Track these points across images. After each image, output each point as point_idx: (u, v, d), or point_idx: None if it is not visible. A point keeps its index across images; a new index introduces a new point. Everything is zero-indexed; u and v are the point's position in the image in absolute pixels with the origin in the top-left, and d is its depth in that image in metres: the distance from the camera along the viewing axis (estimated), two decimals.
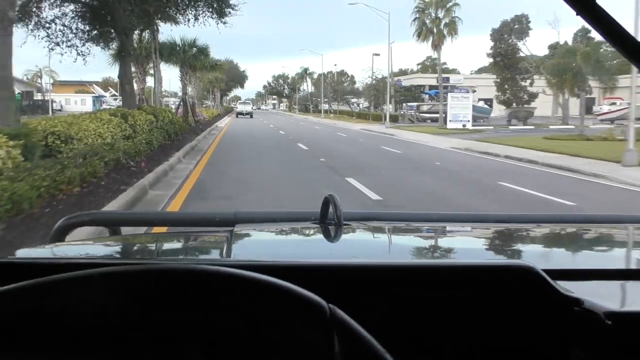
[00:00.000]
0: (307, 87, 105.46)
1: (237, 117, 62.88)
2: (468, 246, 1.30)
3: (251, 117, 61.52)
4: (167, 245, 1.29)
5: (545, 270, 0.77)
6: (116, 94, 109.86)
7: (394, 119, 47.12)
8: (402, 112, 55.74)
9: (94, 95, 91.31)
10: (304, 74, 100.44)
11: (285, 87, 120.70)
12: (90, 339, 0.57)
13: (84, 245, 1.26)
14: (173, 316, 0.57)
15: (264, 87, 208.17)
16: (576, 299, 0.75)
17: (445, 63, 49.67)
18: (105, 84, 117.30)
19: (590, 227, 1.50)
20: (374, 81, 56.70)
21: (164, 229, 1.58)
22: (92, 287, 0.57)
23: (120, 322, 0.57)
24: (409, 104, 53.75)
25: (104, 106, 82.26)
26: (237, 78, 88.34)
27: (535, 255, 1.19)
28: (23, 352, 0.56)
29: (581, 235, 1.44)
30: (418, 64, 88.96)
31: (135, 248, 1.27)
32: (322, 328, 0.56)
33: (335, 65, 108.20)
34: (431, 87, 60.96)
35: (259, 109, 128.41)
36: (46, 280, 0.57)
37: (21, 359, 0.56)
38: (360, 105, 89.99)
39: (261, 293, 0.58)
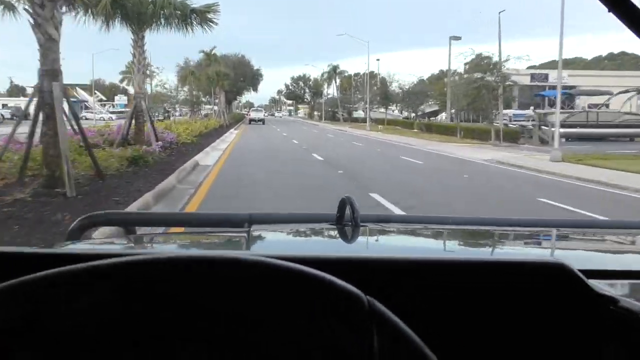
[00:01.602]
0: (334, 89, 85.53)
1: (249, 123, 60.72)
2: (497, 246, 1.26)
3: (263, 123, 59.92)
4: (182, 245, 1.27)
5: (579, 270, 0.75)
6: (104, 98, 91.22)
7: (506, 136, 27.77)
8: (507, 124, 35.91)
9: (71, 99, 72.88)
10: (333, 73, 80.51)
11: (307, 90, 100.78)
12: (94, 333, 0.54)
13: (99, 245, 1.26)
14: (203, 306, 0.54)
15: (279, 92, 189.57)
16: (611, 297, 0.73)
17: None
18: (98, 87, 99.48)
19: (622, 232, 1.45)
20: (463, 76, 36.13)
21: (179, 229, 1.56)
22: (105, 279, 0.54)
23: (129, 318, 0.54)
24: (514, 112, 33.09)
25: (84, 113, 64.23)
26: (249, 77, 69.02)
27: (567, 255, 1.14)
28: (23, 351, 0.53)
29: (613, 239, 1.40)
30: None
31: (149, 247, 1.23)
32: (361, 320, 0.53)
33: (378, 60, 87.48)
34: (535, 87, 40.84)
35: (272, 115, 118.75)
36: (46, 274, 0.54)
37: (21, 358, 0.53)
38: (394, 112, 70.20)
39: (296, 282, 0.54)
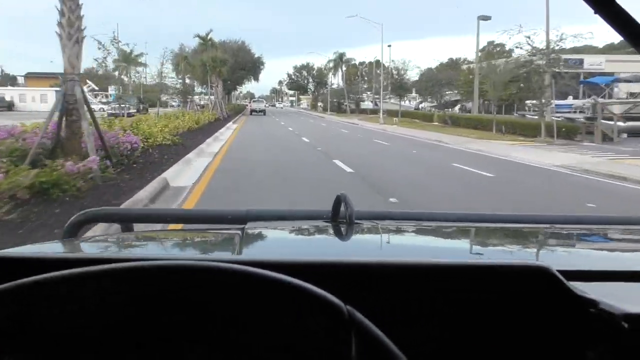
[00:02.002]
0: (339, 79, 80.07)
1: (250, 113, 60.71)
2: (482, 246, 1.28)
3: (264, 114, 60.25)
4: (178, 242, 1.26)
5: (561, 271, 0.76)
6: (96, 88, 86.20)
7: (550, 130, 22.26)
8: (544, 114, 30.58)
9: (58, 89, 67.60)
10: (339, 61, 74.91)
11: (310, 80, 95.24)
12: (93, 337, 0.55)
13: (95, 242, 1.27)
14: (180, 315, 0.56)
15: (280, 82, 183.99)
16: (592, 300, 0.73)
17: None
18: (88, 76, 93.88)
19: (606, 229, 1.45)
20: (505, 59, 30.71)
21: (176, 226, 1.58)
22: (97, 284, 0.55)
23: (127, 320, 0.56)
24: (556, 102, 27.61)
25: None
26: (250, 65, 63.64)
27: (550, 256, 1.17)
28: (21, 353, 0.54)
29: (597, 237, 1.41)
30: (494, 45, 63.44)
31: (146, 245, 1.25)
32: (340, 330, 0.54)
33: (389, 46, 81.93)
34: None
35: (273, 106, 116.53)
36: (48, 276, 0.54)
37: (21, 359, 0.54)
38: (409, 102, 64.91)
39: (275, 291, 0.55)
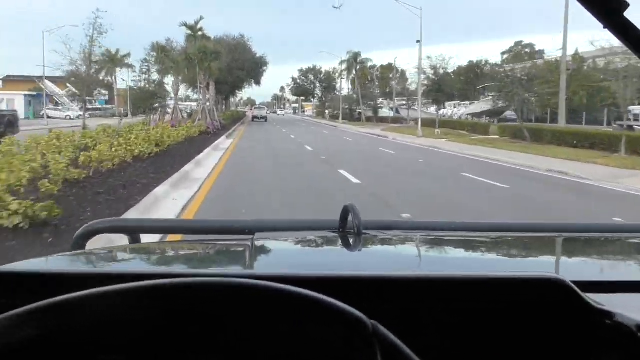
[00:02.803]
0: (348, 83, 69.95)
1: (252, 120, 62.00)
2: (494, 257, 1.26)
3: (266, 120, 61.42)
4: (188, 255, 1.25)
5: (575, 282, 0.75)
6: (77, 92, 76.46)
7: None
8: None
9: (28, 93, 57.75)
10: (353, 62, 64.79)
11: (317, 84, 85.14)
12: (117, 355, 0.56)
13: (105, 254, 1.24)
14: (208, 332, 0.56)
15: (282, 88, 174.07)
16: (607, 311, 0.73)
17: None
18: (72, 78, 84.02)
19: (618, 237, 1.43)
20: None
21: (183, 237, 1.56)
22: (119, 302, 0.56)
23: (150, 336, 0.56)
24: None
25: (47, 111, 49.00)
26: (251, 64, 53.50)
27: (563, 266, 1.16)
28: None
29: (609, 246, 1.38)
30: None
31: (155, 257, 1.23)
32: (365, 345, 0.54)
33: (419, 41, 71.68)
34: None
35: (275, 113, 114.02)
36: (70, 297, 0.54)
37: None
38: (429, 109, 55.08)
39: (302, 307, 0.55)
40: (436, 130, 33.13)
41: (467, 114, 53.50)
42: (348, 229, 1.18)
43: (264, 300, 0.56)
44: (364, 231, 1.15)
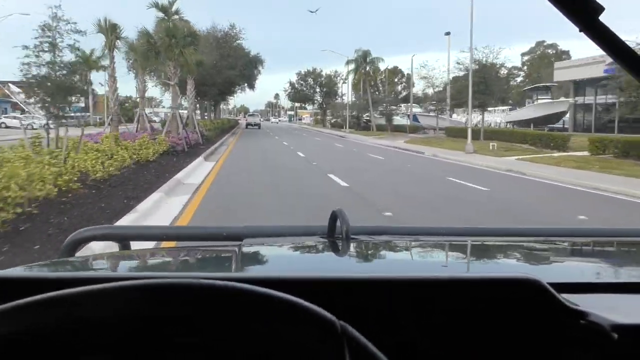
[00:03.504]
0: (348, 88, 61.18)
1: (246, 127, 61.75)
2: (474, 260, 1.29)
3: (259, 127, 61.51)
4: (176, 260, 1.26)
5: (551, 284, 0.77)
6: (47, 98, 67.08)
7: None
8: None
9: None
10: (361, 62, 55.94)
11: (317, 89, 76.33)
12: (96, 355, 0.56)
13: (93, 261, 1.25)
14: (178, 333, 0.56)
15: (276, 96, 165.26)
16: (581, 311, 0.74)
17: None
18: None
19: (595, 241, 1.47)
20: None
21: (173, 244, 1.57)
22: (98, 302, 0.56)
23: (125, 338, 0.56)
24: None
25: (3, 119, 39.45)
26: (243, 64, 44.68)
27: (540, 269, 1.18)
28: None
29: (586, 249, 1.42)
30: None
31: (144, 263, 1.24)
32: (333, 345, 0.54)
33: (449, 33, 63.37)
34: None
35: (267, 120, 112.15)
36: (52, 295, 0.55)
37: None
38: (452, 117, 46.39)
39: (269, 308, 0.56)
40: (491, 144, 24.42)
41: (509, 122, 44.94)
42: (336, 235, 1.18)
43: (234, 301, 0.56)
44: (352, 236, 1.16)
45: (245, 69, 45.48)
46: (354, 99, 61.75)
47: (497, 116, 49.61)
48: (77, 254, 1.21)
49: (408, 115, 49.87)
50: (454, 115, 48.36)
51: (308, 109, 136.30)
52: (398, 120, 56.39)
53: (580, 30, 0.74)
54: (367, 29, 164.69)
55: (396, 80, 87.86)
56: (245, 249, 1.14)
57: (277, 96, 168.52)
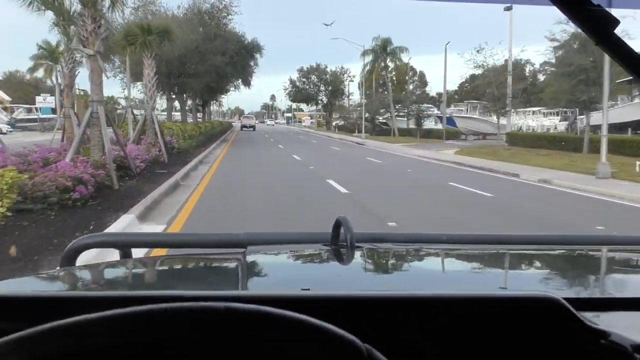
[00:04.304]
0: (355, 87, 51.73)
1: (241, 129, 59.86)
2: (484, 273, 1.23)
3: (254, 129, 60.17)
4: (178, 272, 1.23)
5: (569, 299, 0.74)
6: (7, 98, 57.26)
7: None
8: None
9: None
10: (381, 53, 46.18)
11: (322, 87, 66.86)
12: None
13: (96, 272, 1.22)
14: (200, 354, 0.55)
15: (272, 97, 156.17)
16: (602, 331, 0.72)
17: None
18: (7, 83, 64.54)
19: (612, 250, 1.38)
20: None
21: (175, 251, 1.54)
22: (103, 329, 0.55)
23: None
24: None
25: None
26: (236, 49, 35.09)
27: (557, 283, 1.13)
28: None
29: (600, 260, 1.34)
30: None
31: (146, 275, 1.22)
32: None
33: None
34: None
35: (262, 122, 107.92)
36: (54, 325, 0.53)
37: None
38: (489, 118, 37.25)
39: (294, 332, 0.55)
40: (638, 164, 15.09)
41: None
42: (340, 242, 1.17)
43: (255, 324, 0.55)
44: (356, 244, 1.15)
45: (237, 56, 35.51)
46: (364, 98, 52.37)
47: (545, 119, 40.32)
48: (78, 260, 1.18)
49: (439, 117, 40.43)
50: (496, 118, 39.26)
51: (306, 111, 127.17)
52: (395, 121, 47.12)
53: (596, 44, 0.74)
54: (368, 28, 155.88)
55: (408, 77, 78.85)
56: (249, 258, 1.12)
57: (273, 97, 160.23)
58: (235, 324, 0.55)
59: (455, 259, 1.30)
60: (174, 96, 32.56)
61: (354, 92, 73.10)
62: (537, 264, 1.28)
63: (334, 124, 61.12)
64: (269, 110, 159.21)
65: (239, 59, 36.29)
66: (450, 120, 39.06)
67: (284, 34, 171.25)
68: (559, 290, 0.80)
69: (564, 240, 1.43)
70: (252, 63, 39.76)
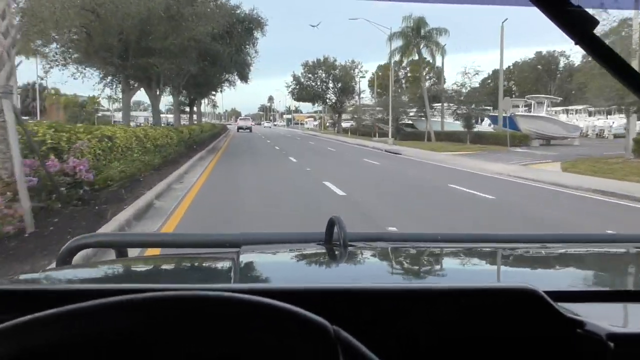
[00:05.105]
0: (364, 84, 42.69)
1: (238, 131, 58.06)
2: (471, 268, 1.26)
3: (250, 131, 57.93)
4: (172, 269, 1.24)
5: (547, 292, 0.76)
6: None
7: None
8: None
9: None
10: (414, 36, 36.34)
11: (330, 84, 57.86)
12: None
13: (91, 270, 1.24)
14: (173, 345, 0.57)
15: (269, 98, 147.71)
16: (578, 320, 0.74)
17: None
18: None
19: (592, 248, 1.44)
20: None
21: (170, 251, 1.53)
22: (97, 317, 0.56)
23: (121, 352, 0.56)
24: None
25: None
26: (227, 23, 24.80)
27: (537, 277, 1.16)
28: None
29: (582, 256, 1.40)
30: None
31: (140, 272, 1.23)
32: (327, 349, 0.55)
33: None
34: None
35: (259, 124, 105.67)
36: (51, 313, 0.54)
37: None
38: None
39: (262, 316, 0.57)
40: None
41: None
42: (334, 242, 1.17)
43: (224, 310, 0.56)
44: (349, 243, 1.15)
45: (229, 37, 26.15)
46: (373, 98, 43.29)
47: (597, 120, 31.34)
48: (74, 260, 1.19)
49: (492, 118, 31.30)
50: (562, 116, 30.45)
51: (305, 112, 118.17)
52: (450, 124, 38.27)
53: (575, 43, 0.75)
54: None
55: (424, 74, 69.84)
56: (243, 257, 1.12)
57: (271, 99, 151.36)
58: (200, 311, 0.55)
59: (448, 257, 1.30)
60: (136, 86, 23.18)
61: (365, 90, 64.19)
62: (521, 260, 1.30)
63: (350, 125, 52.01)
64: (266, 112, 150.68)
65: (232, 40, 26.96)
66: (510, 121, 30.04)
67: (283, 30, 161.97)
68: (539, 282, 0.79)
69: (554, 238, 1.46)
70: (250, 45, 30.46)
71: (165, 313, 0.56)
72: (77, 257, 1.22)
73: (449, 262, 1.29)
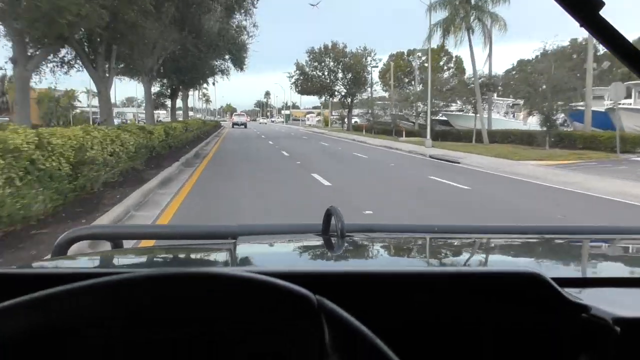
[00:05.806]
0: (376, 75, 34.88)
1: (232, 127, 58.62)
2: (473, 256, 1.26)
3: (245, 127, 59.37)
4: (168, 258, 1.24)
5: (554, 279, 0.76)
6: None
7: None
8: None
9: None
10: (462, 5, 28.25)
11: (340, 74, 49.96)
12: (90, 351, 0.57)
13: (87, 259, 1.25)
14: (163, 322, 0.58)
15: (266, 93, 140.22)
16: (584, 305, 0.74)
17: None
18: None
19: (595, 239, 1.43)
20: None
21: (167, 243, 1.53)
22: (85, 298, 0.56)
23: (114, 330, 0.57)
24: None
25: None
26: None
27: (542, 264, 1.15)
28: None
29: (586, 246, 1.38)
30: None
31: (136, 260, 1.24)
32: (310, 318, 0.55)
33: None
34: None
35: (254, 120, 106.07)
36: (44, 293, 0.54)
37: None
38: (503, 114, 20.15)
39: (243, 288, 0.57)
40: None
41: None
42: (331, 232, 1.16)
43: (206, 287, 0.57)
44: (347, 234, 1.14)
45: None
46: (385, 91, 35.52)
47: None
48: (69, 253, 1.19)
49: (573, 115, 23.51)
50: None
51: (302, 108, 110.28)
52: (498, 121, 30.64)
53: (580, 25, 0.73)
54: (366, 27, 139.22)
55: (443, 64, 62.18)
56: (239, 247, 1.12)
57: (267, 94, 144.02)
58: (185, 288, 0.56)
59: (446, 246, 1.28)
60: (78, 62, 15.51)
61: (377, 82, 56.42)
62: (525, 249, 1.29)
63: (367, 123, 44.15)
64: (263, 108, 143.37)
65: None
66: (604, 118, 22.27)
67: (280, 23, 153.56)
68: (544, 270, 0.78)
69: (550, 230, 1.45)
70: (241, 18, 23.54)
71: (138, 294, 0.56)
72: (72, 250, 1.19)
73: (452, 251, 1.25)
